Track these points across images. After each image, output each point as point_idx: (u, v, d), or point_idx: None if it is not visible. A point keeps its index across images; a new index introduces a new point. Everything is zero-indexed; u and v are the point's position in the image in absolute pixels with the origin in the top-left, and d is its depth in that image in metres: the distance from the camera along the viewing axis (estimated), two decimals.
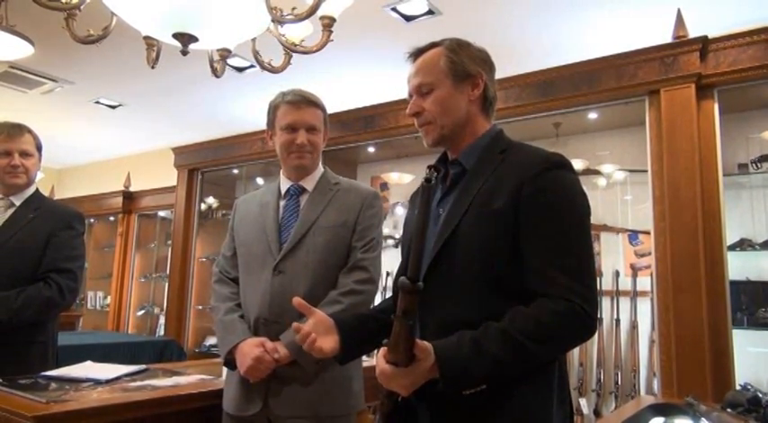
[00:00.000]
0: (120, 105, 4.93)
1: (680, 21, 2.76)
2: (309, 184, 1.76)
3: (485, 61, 1.25)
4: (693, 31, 2.74)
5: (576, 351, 3.42)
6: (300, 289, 1.61)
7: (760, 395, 1.54)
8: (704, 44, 2.67)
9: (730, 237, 2.69)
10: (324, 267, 1.65)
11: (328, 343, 1.14)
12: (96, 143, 6.25)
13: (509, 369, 1.03)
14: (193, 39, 1.74)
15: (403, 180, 4.34)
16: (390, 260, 3.62)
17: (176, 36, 1.73)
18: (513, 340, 1.00)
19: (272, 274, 1.64)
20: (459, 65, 1.21)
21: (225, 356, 1.64)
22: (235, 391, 1.64)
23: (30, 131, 2.17)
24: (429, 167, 1.06)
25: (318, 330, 1.14)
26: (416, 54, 1.26)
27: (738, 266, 2.72)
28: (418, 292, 0.95)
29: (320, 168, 1.81)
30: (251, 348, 1.56)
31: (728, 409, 1.53)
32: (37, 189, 2.20)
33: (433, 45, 1.25)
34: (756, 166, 2.82)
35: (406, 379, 1.00)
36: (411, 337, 0.97)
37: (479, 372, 1.01)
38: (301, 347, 1.51)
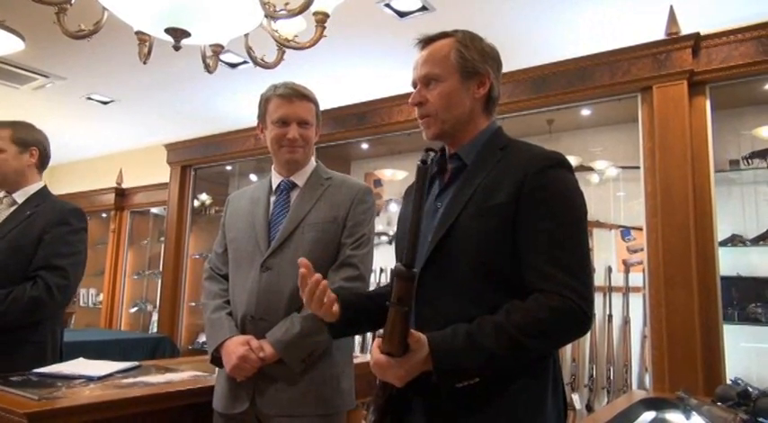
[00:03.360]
0: (112, 101, 4.90)
1: (672, 17, 2.78)
2: (300, 179, 1.74)
3: (494, 59, 1.24)
4: (686, 28, 2.75)
5: (568, 347, 3.43)
6: (288, 286, 1.59)
7: (750, 389, 1.55)
8: (696, 41, 2.68)
9: (721, 232, 2.71)
10: (313, 264, 1.62)
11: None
12: (88, 139, 6.20)
13: (503, 363, 1.03)
14: (186, 34, 1.73)
15: (396, 177, 4.33)
16: (384, 257, 3.64)
17: (168, 31, 1.72)
18: (507, 334, 1.01)
19: (260, 270, 1.62)
20: (470, 61, 1.19)
21: (212, 354, 1.64)
22: (223, 389, 1.63)
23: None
24: (426, 150, 1.05)
25: None
26: (426, 42, 1.24)
27: (729, 262, 2.74)
28: (413, 278, 0.95)
29: (312, 163, 1.78)
30: (236, 347, 1.55)
31: (719, 403, 1.54)
32: (44, 186, 2.16)
33: (444, 35, 1.23)
34: (747, 162, 2.84)
35: (400, 369, 1.00)
36: (406, 327, 0.97)
37: (473, 365, 1.01)
38: (287, 346, 1.53)
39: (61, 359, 2.05)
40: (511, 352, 1.02)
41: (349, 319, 1.17)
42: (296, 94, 1.69)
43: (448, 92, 1.19)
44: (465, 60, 1.19)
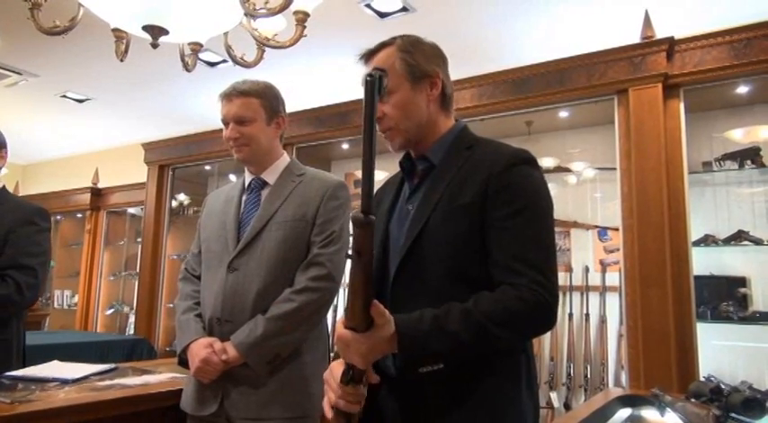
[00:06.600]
0: (87, 99, 4.82)
1: (647, 22, 2.83)
2: (272, 176, 1.70)
3: (439, 56, 1.24)
4: (660, 32, 2.81)
5: (546, 346, 3.47)
6: (254, 287, 1.56)
7: (722, 385, 1.59)
8: (671, 45, 2.74)
9: (695, 233, 2.77)
10: (281, 264, 1.58)
11: None
12: (63, 138, 6.09)
13: (468, 349, 1.02)
14: (164, 31, 1.72)
15: (377, 177, 4.33)
16: None
17: (146, 28, 1.70)
18: (474, 320, 1.00)
19: (227, 271, 1.59)
20: (415, 65, 1.19)
21: (179, 356, 1.62)
22: (191, 391, 1.61)
23: None
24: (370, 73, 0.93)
25: None
26: (368, 56, 1.23)
27: (702, 262, 2.80)
28: (370, 224, 0.88)
29: (285, 159, 1.74)
30: (200, 349, 1.53)
31: (692, 399, 1.57)
32: (3, 186, 2.14)
33: (384, 45, 1.22)
34: (720, 164, 2.90)
35: (362, 345, 0.96)
36: (368, 288, 0.92)
37: (438, 347, 0.99)
38: (250, 348, 1.51)
39: (24, 361, 2.02)
40: (477, 338, 1.01)
41: None
42: (233, 93, 1.67)
43: (403, 102, 1.19)
44: (411, 65, 1.18)
